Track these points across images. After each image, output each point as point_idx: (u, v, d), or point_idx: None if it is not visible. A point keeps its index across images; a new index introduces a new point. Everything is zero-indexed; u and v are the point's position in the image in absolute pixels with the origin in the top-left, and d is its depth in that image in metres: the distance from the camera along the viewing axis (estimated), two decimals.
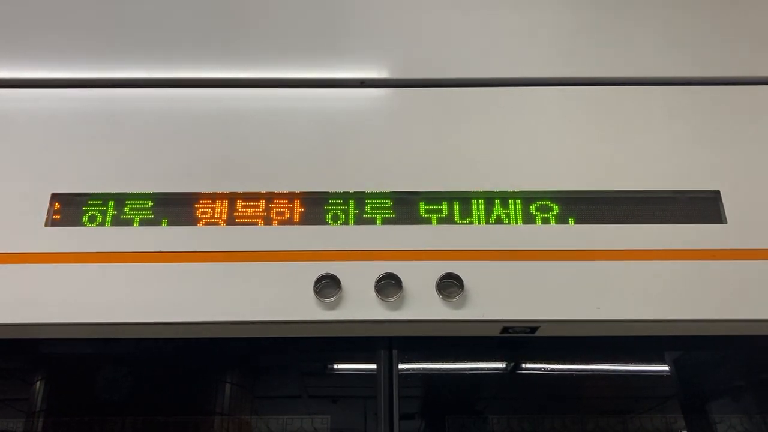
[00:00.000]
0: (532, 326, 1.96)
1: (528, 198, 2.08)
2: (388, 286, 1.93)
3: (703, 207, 2.08)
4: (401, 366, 2.03)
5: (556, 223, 2.05)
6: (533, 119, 2.23)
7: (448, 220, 2.05)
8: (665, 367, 2.23)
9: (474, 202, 2.07)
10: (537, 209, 2.07)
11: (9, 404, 2.20)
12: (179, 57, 2.36)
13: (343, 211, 2.06)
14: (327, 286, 1.93)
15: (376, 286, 1.92)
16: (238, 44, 2.39)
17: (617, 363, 2.23)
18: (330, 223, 2.04)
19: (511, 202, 2.07)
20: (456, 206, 2.07)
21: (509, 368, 2.22)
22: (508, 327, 1.96)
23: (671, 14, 2.44)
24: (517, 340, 2.03)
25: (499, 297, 1.93)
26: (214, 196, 2.08)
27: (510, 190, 2.09)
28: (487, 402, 2.20)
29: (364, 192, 2.08)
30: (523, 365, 2.21)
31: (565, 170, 2.13)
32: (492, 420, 2.12)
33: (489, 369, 2.24)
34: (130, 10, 2.44)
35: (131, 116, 2.24)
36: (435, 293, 1.92)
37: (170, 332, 1.98)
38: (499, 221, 2.05)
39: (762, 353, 2.13)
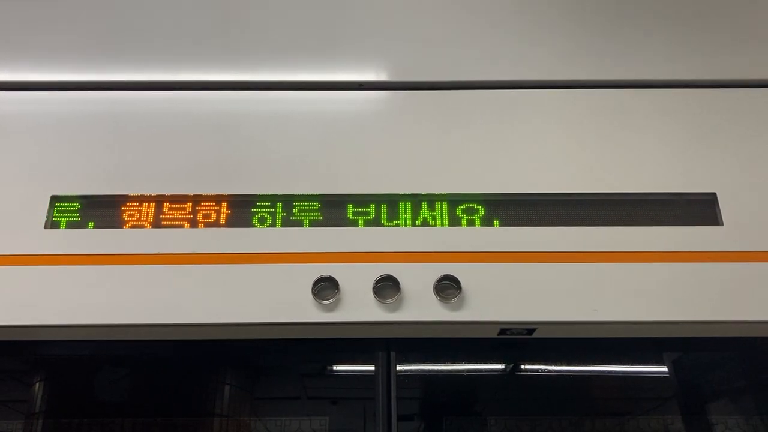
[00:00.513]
0: (529, 328, 1.97)
1: (517, 201, 2.10)
2: (386, 287, 1.93)
3: (699, 209, 2.10)
4: (399, 367, 2.03)
5: (555, 225, 2.06)
6: (532, 122, 2.24)
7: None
8: (663, 369, 2.24)
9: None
10: (535, 213, 2.08)
11: (8, 406, 2.20)
12: (179, 60, 2.37)
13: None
14: (325, 288, 1.93)
15: (374, 288, 1.92)
16: (236, 47, 2.40)
17: (614, 364, 2.23)
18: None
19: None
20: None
21: (507, 370, 2.23)
22: (505, 329, 1.97)
23: (668, 18, 2.44)
24: (515, 341, 2.03)
25: (497, 299, 1.94)
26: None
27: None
28: (484, 403, 2.21)
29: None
30: (521, 366, 2.21)
31: (565, 173, 2.14)
32: (489, 421, 2.13)
33: (486, 370, 2.25)
34: (129, 14, 2.45)
35: (130, 119, 2.24)
36: (433, 295, 1.92)
37: (169, 334, 1.98)
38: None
39: (759, 354, 2.13)
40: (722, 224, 2.06)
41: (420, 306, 1.92)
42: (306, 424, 2.07)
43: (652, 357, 2.22)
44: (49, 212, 2.06)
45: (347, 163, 2.16)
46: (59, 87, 2.31)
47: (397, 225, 2.05)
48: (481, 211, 2.07)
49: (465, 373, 2.22)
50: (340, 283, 1.93)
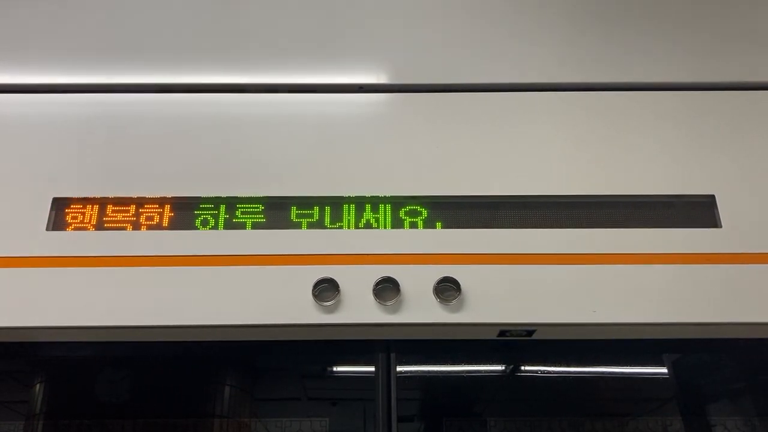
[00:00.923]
0: (528, 329, 1.97)
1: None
2: (386, 289, 1.94)
3: (698, 211, 2.10)
4: (399, 369, 2.04)
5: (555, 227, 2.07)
6: (532, 124, 2.25)
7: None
8: (662, 370, 2.24)
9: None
10: (535, 215, 2.09)
11: (8, 407, 2.21)
12: (179, 63, 2.38)
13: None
14: (326, 290, 1.94)
15: (374, 290, 1.93)
16: (236, 50, 2.40)
17: (614, 366, 2.24)
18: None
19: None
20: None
21: (506, 371, 2.24)
22: (505, 330, 1.98)
23: (666, 20, 2.45)
24: (514, 343, 2.04)
25: (496, 300, 1.95)
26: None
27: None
28: (484, 404, 2.21)
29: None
30: (520, 368, 2.22)
31: (564, 175, 2.15)
32: (489, 422, 2.13)
33: (486, 372, 2.25)
34: (130, 17, 2.46)
35: (130, 121, 2.25)
36: (433, 297, 1.93)
37: (170, 335, 1.99)
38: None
39: (758, 356, 2.14)
40: (721, 226, 2.06)
41: (420, 308, 1.93)
42: (306, 425, 2.07)
43: (651, 358, 2.22)
44: (50, 214, 2.07)
45: (347, 165, 2.17)
46: (61, 90, 2.32)
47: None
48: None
49: (465, 375, 2.23)
50: (340, 285, 1.93)
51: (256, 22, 2.45)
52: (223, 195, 2.11)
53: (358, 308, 1.93)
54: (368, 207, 2.09)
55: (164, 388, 2.21)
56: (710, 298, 1.96)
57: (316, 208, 2.09)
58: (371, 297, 1.93)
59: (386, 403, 1.98)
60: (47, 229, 2.05)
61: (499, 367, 2.24)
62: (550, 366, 2.20)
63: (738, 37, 2.41)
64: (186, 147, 2.20)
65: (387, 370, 2.03)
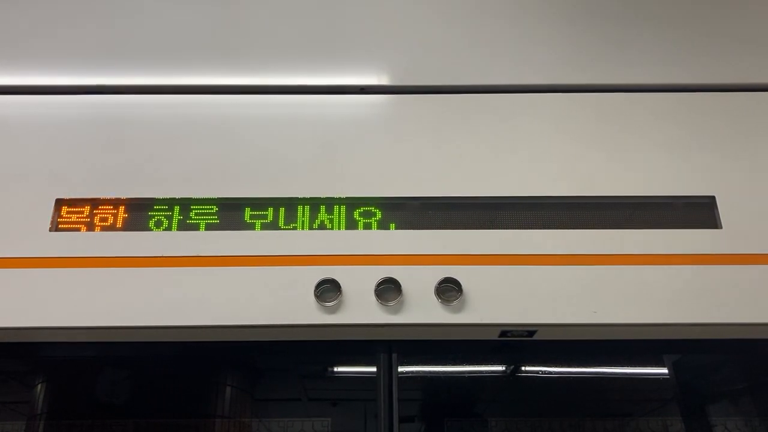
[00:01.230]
0: (529, 330, 1.98)
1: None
2: (388, 290, 1.95)
3: (698, 212, 2.11)
4: (401, 369, 2.04)
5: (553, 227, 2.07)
6: (533, 125, 2.25)
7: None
8: (663, 371, 2.25)
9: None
10: (536, 216, 2.10)
11: (10, 407, 2.21)
12: (181, 64, 2.39)
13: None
14: (327, 290, 1.95)
15: (376, 291, 1.94)
16: (238, 51, 2.41)
17: (615, 366, 2.24)
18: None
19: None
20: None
21: (508, 371, 2.24)
22: (506, 331, 1.98)
23: (667, 22, 2.46)
24: (516, 343, 2.05)
25: (498, 301, 1.95)
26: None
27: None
28: (485, 405, 2.22)
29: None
30: (522, 368, 2.22)
31: (565, 176, 2.16)
32: (490, 423, 2.14)
33: (487, 372, 2.26)
34: (133, 18, 2.47)
35: (134, 122, 2.26)
36: (434, 297, 1.94)
37: (172, 336, 1.99)
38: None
39: (759, 357, 2.14)
40: (721, 227, 2.07)
41: (421, 308, 1.94)
42: (308, 425, 2.08)
43: (652, 359, 2.23)
44: (53, 215, 2.08)
45: (349, 166, 2.17)
46: (65, 91, 2.33)
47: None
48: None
49: (466, 375, 2.23)
50: (342, 286, 1.94)
51: (258, 23, 2.46)
52: (227, 196, 2.11)
53: (360, 309, 1.93)
54: (373, 209, 2.10)
55: (166, 388, 2.21)
56: (711, 298, 1.96)
57: (323, 208, 2.09)
58: (373, 298, 1.93)
59: (388, 403, 1.99)
60: (50, 230, 2.05)
61: (500, 368, 2.25)
62: (551, 366, 2.20)
63: (739, 39, 2.42)
64: (192, 148, 2.21)
65: (389, 370, 2.03)
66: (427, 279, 1.96)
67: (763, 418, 2.13)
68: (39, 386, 2.19)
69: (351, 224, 2.08)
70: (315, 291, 1.94)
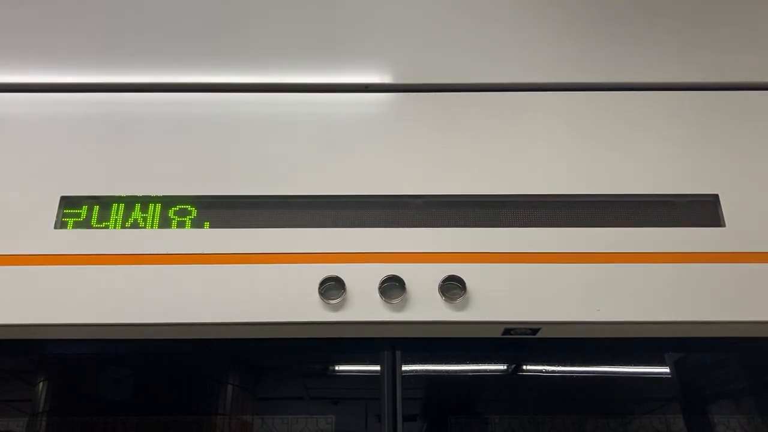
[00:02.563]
0: (533, 328, 1.98)
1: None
2: (392, 287, 1.95)
3: (702, 211, 2.11)
4: (404, 367, 2.05)
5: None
6: (536, 124, 2.26)
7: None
8: (666, 369, 2.25)
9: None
10: (539, 214, 2.10)
11: (12, 404, 2.21)
12: (184, 61, 2.39)
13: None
14: (331, 288, 1.95)
15: (379, 288, 1.94)
16: (241, 49, 2.41)
17: (618, 364, 2.25)
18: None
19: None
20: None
21: (511, 369, 2.24)
22: (509, 328, 1.98)
23: (671, 21, 2.46)
24: (519, 341, 2.05)
25: (501, 299, 1.95)
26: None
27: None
28: (489, 403, 2.22)
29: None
30: (525, 366, 2.23)
31: (569, 174, 2.16)
32: (494, 420, 2.14)
33: (491, 370, 2.26)
34: (135, 15, 2.47)
35: (139, 120, 2.26)
36: (438, 295, 1.94)
37: (175, 333, 2.00)
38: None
39: (761, 355, 2.15)
40: (724, 225, 2.07)
41: (425, 306, 1.94)
42: (312, 423, 2.08)
43: (656, 357, 2.23)
44: (58, 212, 2.08)
45: (352, 164, 2.18)
46: (69, 89, 2.33)
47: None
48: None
49: (469, 373, 2.24)
50: (346, 283, 1.94)
51: (261, 21, 2.46)
52: (232, 194, 2.12)
53: (364, 306, 1.93)
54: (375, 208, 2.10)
55: (168, 386, 2.21)
56: (714, 296, 1.97)
57: (326, 206, 2.10)
58: (377, 295, 1.94)
59: (392, 401, 1.99)
60: (55, 228, 2.05)
61: (504, 366, 2.25)
62: (554, 365, 2.20)
63: (743, 37, 2.42)
64: (194, 146, 2.21)
65: (392, 368, 2.03)
66: (431, 277, 1.96)
67: (766, 417, 2.13)
68: (41, 384, 2.19)
69: (355, 222, 2.08)
70: (319, 288, 1.94)
